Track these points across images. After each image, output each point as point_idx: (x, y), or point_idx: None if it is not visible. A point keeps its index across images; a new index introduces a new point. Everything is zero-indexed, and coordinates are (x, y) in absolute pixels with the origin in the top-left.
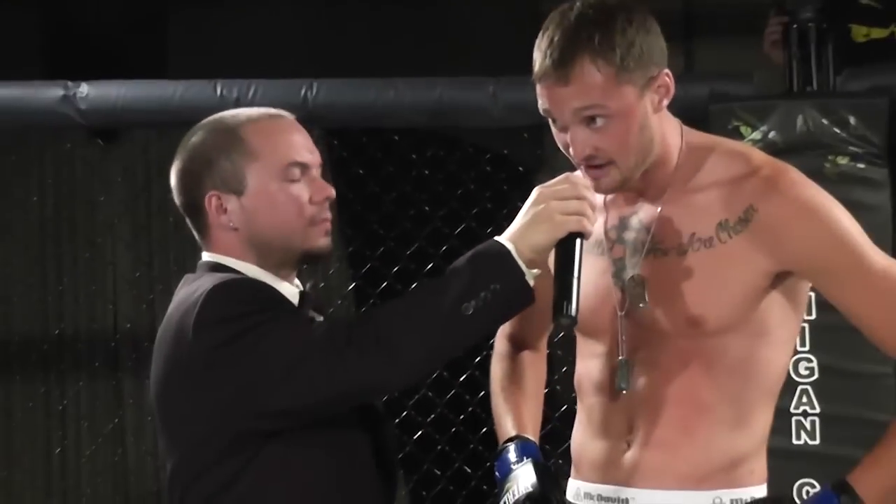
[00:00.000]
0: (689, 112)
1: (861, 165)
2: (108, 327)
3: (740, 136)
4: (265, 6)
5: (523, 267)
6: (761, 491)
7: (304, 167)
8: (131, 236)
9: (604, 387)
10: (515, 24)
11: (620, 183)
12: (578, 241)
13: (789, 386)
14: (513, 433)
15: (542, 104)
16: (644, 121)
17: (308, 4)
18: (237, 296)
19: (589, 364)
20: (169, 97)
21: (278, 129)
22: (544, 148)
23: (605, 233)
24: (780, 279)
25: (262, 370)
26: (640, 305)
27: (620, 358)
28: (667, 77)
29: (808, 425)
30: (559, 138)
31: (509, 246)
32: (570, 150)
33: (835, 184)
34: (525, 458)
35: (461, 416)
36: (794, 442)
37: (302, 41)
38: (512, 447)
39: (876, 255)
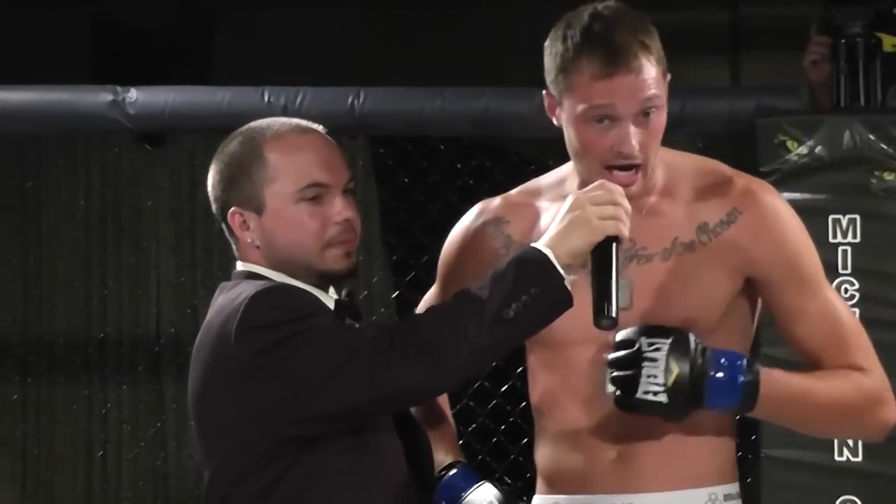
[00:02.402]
0: (736, 125)
1: None
2: (151, 332)
3: (787, 151)
4: (311, 13)
5: (562, 271)
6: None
7: (324, 187)
8: (176, 241)
9: (587, 397)
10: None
11: (643, 187)
12: (615, 244)
13: None
14: (449, 460)
15: (599, 100)
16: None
17: (355, 12)
18: (279, 302)
19: (561, 377)
20: (217, 103)
21: (301, 146)
22: None
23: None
24: (747, 284)
25: (305, 375)
26: (625, 308)
27: (607, 356)
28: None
29: (850, 442)
30: (598, 142)
31: (548, 251)
32: (619, 147)
33: (881, 199)
34: (477, 480)
35: (503, 427)
36: (837, 458)
37: (349, 48)
38: (454, 472)
39: (827, 286)
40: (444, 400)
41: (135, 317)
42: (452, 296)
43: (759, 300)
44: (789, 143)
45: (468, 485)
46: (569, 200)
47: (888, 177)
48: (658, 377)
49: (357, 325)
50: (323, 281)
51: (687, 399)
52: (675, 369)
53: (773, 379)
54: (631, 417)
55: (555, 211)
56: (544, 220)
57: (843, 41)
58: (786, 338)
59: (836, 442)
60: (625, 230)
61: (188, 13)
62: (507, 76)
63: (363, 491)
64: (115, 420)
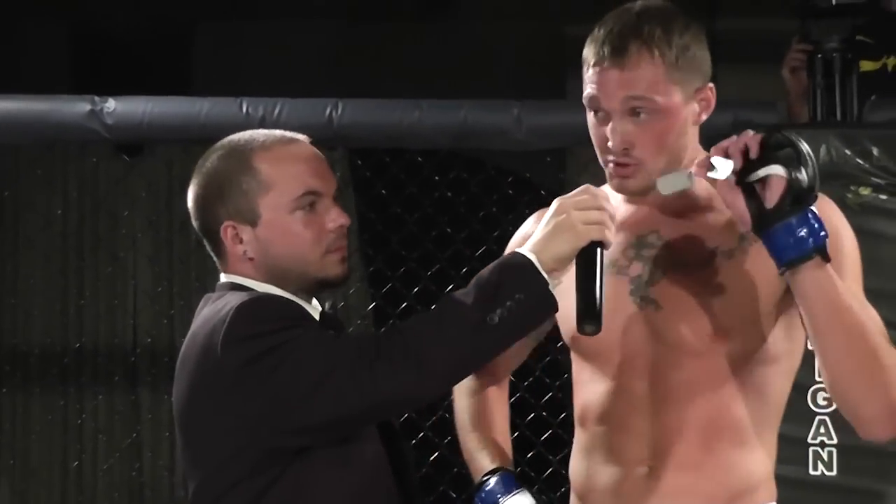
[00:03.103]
0: (713, 139)
1: (883, 196)
2: (127, 342)
3: None
4: (291, 25)
5: (546, 276)
6: None
7: (317, 195)
8: (153, 252)
9: (620, 411)
10: (539, 47)
11: (644, 187)
12: (599, 249)
13: (807, 416)
14: (493, 465)
15: (589, 91)
16: (683, 127)
17: (334, 23)
18: (265, 312)
19: (598, 389)
20: (195, 114)
21: (291, 156)
22: (566, 171)
23: (622, 252)
24: (788, 294)
25: (292, 386)
26: (661, 318)
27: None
28: (710, 92)
29: (825, 456)
30: (597, 133)
31: (532, 257)
32: (608, 143)
33: (857, 214)
34: (516, 488)
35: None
36: (811, 472)
37: (328, 60)
38: (494, 479)
39: (861, 293)
40: (502, 401)
41: (111, 327)
42: (438, 303)
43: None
44: None
45: (506, 491)
46: (553, 205)
47: (864, 192)
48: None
49: (342, 335)
50: (318, 288)
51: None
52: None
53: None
54: (667, 433)
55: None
56: None
57: (819, 56)
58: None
59: (810, 456)
60: (609, 235)
61: (168, 25)
62: (485, 89)
63: (349, 502)
64: (90, 430)
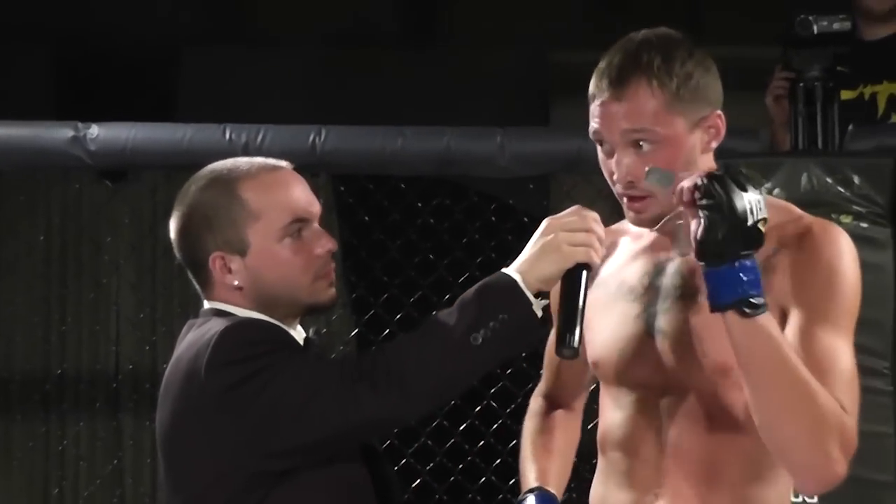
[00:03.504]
0: None
1: (864, 225)
2: (110, 368)
3: None
4: (276, 51)
5: (530, 297)
6: None
7: (304, 222)
8: (136, 278)
9: (632, 438)
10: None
11: (659, 217)
12: (584, 272)
13: None
14: (534, 484)
15: (592, 125)
16: (690, 156)
17: (319, 50)
18: (248, 337)
19: (615, 415)
20: (178, 140)
21: (277, 183)
22: (550, 199)
23: (640, 279)
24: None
25: (275, 409)
26: (670, 347)
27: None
28: (719, 119)
29: None
30: (605, 166)
31: (517, 277)
32: (614, 176)
33: None
34: None
35: (460, 466)
36: (794, 500)
37: (312, 87)
38: (531, 498)
39: (843, 334)
40: (567, 426)
41: (93, 353)
42: (423, 324)
43: None
44: None
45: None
46: (542, 225)
47: (845, 220)
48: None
49: (325, 358)
50: (306, 313)
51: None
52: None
53: (773, 321)
54: (675, 462)
55: (628, 242)
56: (618, 253)
57: (801, 84)
58: None
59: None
60: (596, 258)
61: (153, 51)
62: (469, 115)
63: None
64: (72, 456)
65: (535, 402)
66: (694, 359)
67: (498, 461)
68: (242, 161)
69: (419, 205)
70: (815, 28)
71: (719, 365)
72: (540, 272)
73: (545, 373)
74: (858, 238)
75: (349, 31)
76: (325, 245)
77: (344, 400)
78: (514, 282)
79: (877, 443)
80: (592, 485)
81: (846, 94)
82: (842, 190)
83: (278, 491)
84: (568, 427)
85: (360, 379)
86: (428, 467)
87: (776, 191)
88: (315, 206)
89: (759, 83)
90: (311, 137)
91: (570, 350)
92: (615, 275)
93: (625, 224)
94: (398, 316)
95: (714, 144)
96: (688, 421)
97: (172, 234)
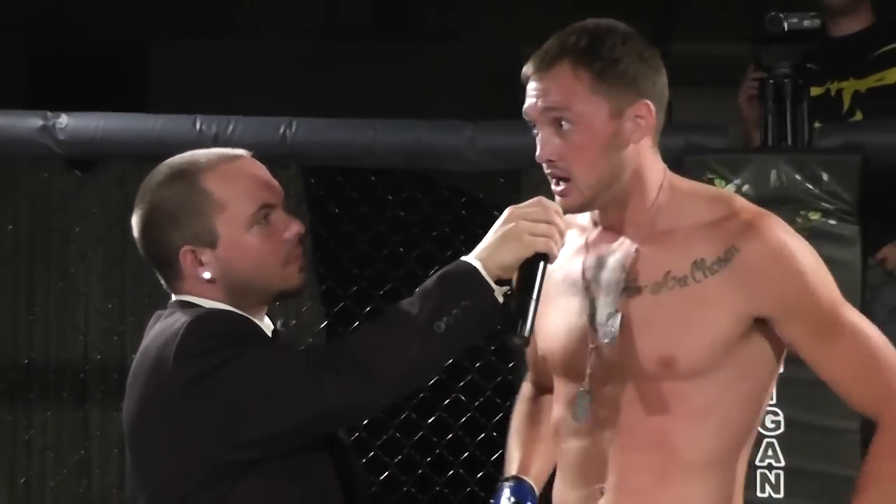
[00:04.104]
0: (665, 162)
1: (832, 222)
2: (77, 358)
3: None
4: (247, 43)
5: (492, 283)
6: None
7: (271, 207)
8: (104, 268)
9: (578, 430)
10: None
11: (582, 203)
12: (542, 263)
13: (755, 439)
14: (513, 473)
15: (524, 106)
16: (613, 143)
17: (291, 43)
18: (215, 328)
19: (562, 409)
20: (148, 131)
21: (239, 172)
22: (521, 193)
23: (583, 272)
24: (758, 325)
25: (241, 399)
26: (607, 341)
27: (580, 389)
28: (647, 109)
29: (773, 479)
30: (535, 145)
31: (477, 264)
32: (537, 154)
33: (806, 239)
34: (516, 499)
35: (428, 459)
36: (759, 495)
37: (284, 79)
38: (507, 487)
39: (846, 309)
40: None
41: (61, 343)
42: (384, 313)
43: (779, 347)
44: (717, 181)
45: (509, 499)
46: (504, 214)
47: (814, 216)
48: None
49: (291, 349)
50: (277, 299)
51: None
52: None
53: None
54: (616, 457)
55: (575, 235)
56: (565, 247)
57: (770, 81)
58: (819, 375)
59: (758, 479)
60: (555, 249)
61: (124, 42)
62: (442, 109)
63: None
64: (38, 446)
65: (526, 388)
66: (637, 352)
67: (466, 454)
68: (200, 153)
69: (389, 197)
70: (785, 25)
71: (663, 357)
72: (500, 259)
73: (528, 359)
74: (826, 235)
75: (321, 23)
76: (294, 229)
77: (309, 390)
78: (475, 269)
79: (843, 439)
80: (555, 479)
81: (814, 91)
82: (810, 187)
83: (245, 482)
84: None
85: (326, 369)
86: (396, 460)
87: (745, 187)
88: (278, 191)
89: (730, 80)
90: (282, 129)
91: (520, 339)
92: (560, 268)
93: (574, 218)
94: (368, 308)
95: (642, 138)
96: (629, 417)
97: (136, 231)
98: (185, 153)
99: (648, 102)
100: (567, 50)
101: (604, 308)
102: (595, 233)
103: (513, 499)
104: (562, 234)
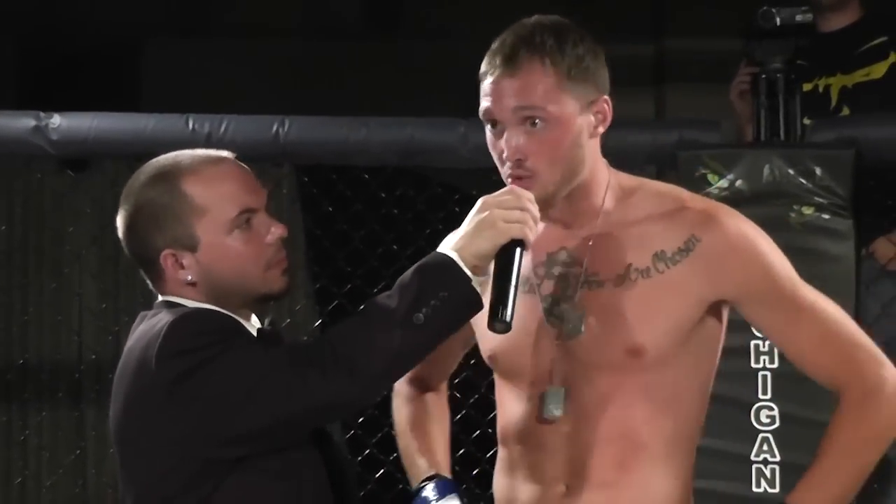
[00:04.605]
0: (658, 158)
1: (826, 216)
2: (72, 358)
3: (707, 184)
4: (240, 42)
5: (469, 273)
6: None
7: (252, 211)
8: (98, 268)
9: (537, 430)
10: None
11: (544, 199)
12: (518, 249)
13: (750, 434)
14: (430, 472)
15: (484, 105)
16: (578, 139)
17: (283, 42)
18: (199, 327)
19: (516, 408)
20: (140, 130)
21: (220, 176)
22: None
23: (533, 270)
24: (712, 309)
25: (224, 397)
26: (572, 336)
27: (551, 386)
28: (606, 104)
29: (768, 473)
30: (495, 147)
31: (453, 255)
32: (504, 154)
33: (799, 233)
34: (447, 494)
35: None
36: (755, 489)
37: (277, 79)
38: (430, 486)
39: (806, 289)
40: (440, 407)
41: (55, 343)
42: (363, 308)
43: (724, 327)
44: (710, 177)
45: (439, 497)
46: (477, 204)
47: (807, 211)
48: None
49: (274, 347)
50: (260, 303)
51: None
52: None
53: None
54: (582, 451)
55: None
56: None
57: (763, 76)
58: (784, 353)
59: (753, 473)
60: (530, 235)
61: (116, 42)
62: (434, 106)
63: None
64: (34, 446)
65: (404, 389)
66: (604, 344)
67: (461, 451)
68: (185, 155)
69: (382, 195)
70: (777, 20)
71: (631, 347)
72: (476, 248)
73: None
74: (820, 229)
75: (313, 23)
76: (276, 232)
77: (293, 386)
78: (452, 260)
79: None
80: (495, 476)
81: (804, 86)
82: (803, 181)
83: (230, 480)
84: (442, 410)
85: (309, 364)
86: (392, 457)
87: (738, 182)
88: (260, 195)
89: (722, 75)
90: (275, 128)
91: (502, 324)
92: None
93: None
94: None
95: (601, 129)
96: (592, 410)
97: (120, 231)
98: (171, 154)
99: (607, 98)
100: (535, 48)
101: (565, 302)
102: (539, 228)
103: (445, 494)
104: (535, 221)
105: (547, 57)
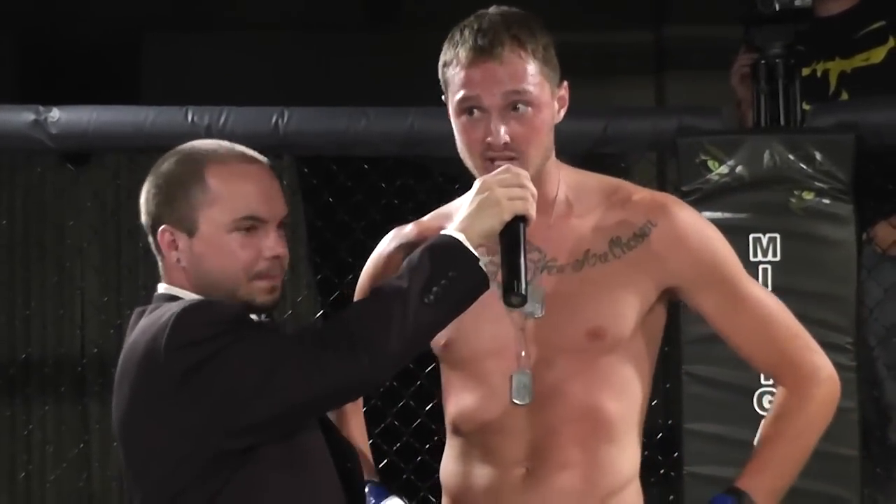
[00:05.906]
0: (659, 145)
1: (826, 201)
2: (75, 352)
3: (708, 170)
4: (239, 34)
5: (475, 253)
6: None
7: (260, 221)
8: (100, 261)
9: (496, 414)
10: None
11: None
12: (522, 224)
13: (754, 419)
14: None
15: (466, 91)
16: (551, 122)
17: (282, 33)
18: (206, 317)
19: (473, 394)
20: (140, 123)
21: (244, 176)
22: None
23: (490, 258)
24: (663, 296)
25: (239, 385)
26: (537, 316)
27: (518, 370)
28: (566, 89)
29: None
30: (472, 134)
31: (459, 236)
32: (488, 139)
33: (800, 218)
34: (384, 495)
35: (427, 446)
36: None
37: (276, 70)
38: (366, 489)
39: (750, 282)
40: (356, 411)
41: (58, 337)
42: (373, 290)
43: (665, 310)
44: (710, 163)
45: (378, 500)
46: (476, 184)
47: (807, 196)
48: None
49: (285, 332)
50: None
51: None
52: None
53: (759, 488)
54: (540, 434)
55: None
56: None
57: (762, 62)
58: (724, 339)
59: None
60: (532, 210)
61: (116, 35)
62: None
63: (298, 501)
64: (38, 441)
65: None
66: (566, 327)
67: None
68: (223, 145)
69: (383, 185)
70: (776, 5)
71: (592, 330)
72: (481, 227)
73: None
74: (821, 214)
75: (312, 14)
76: (275, 250)
77: (308, 369)
78: (458, 240)
79: (841, 417)
80: (443, 464)
81: (803, 71)
82: (804, 166)
83: (241, 473)
84: (358, 413)
85: (324, 347)
86: (395, 447)
87: (739, 168)
88: (278, 209)
89: (723, 62)
90: (274, 119)
91: (518, 297)
92: None
93: (451, 213)
94: None
95: (561, 115)
96: (553, 391)
97: (141, 195)
98: (213, 140)
99: (566, 83)
100: (512, 36)
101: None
102: None
103: (381, 497)
104: (534, 197)
105: (527, 44)
